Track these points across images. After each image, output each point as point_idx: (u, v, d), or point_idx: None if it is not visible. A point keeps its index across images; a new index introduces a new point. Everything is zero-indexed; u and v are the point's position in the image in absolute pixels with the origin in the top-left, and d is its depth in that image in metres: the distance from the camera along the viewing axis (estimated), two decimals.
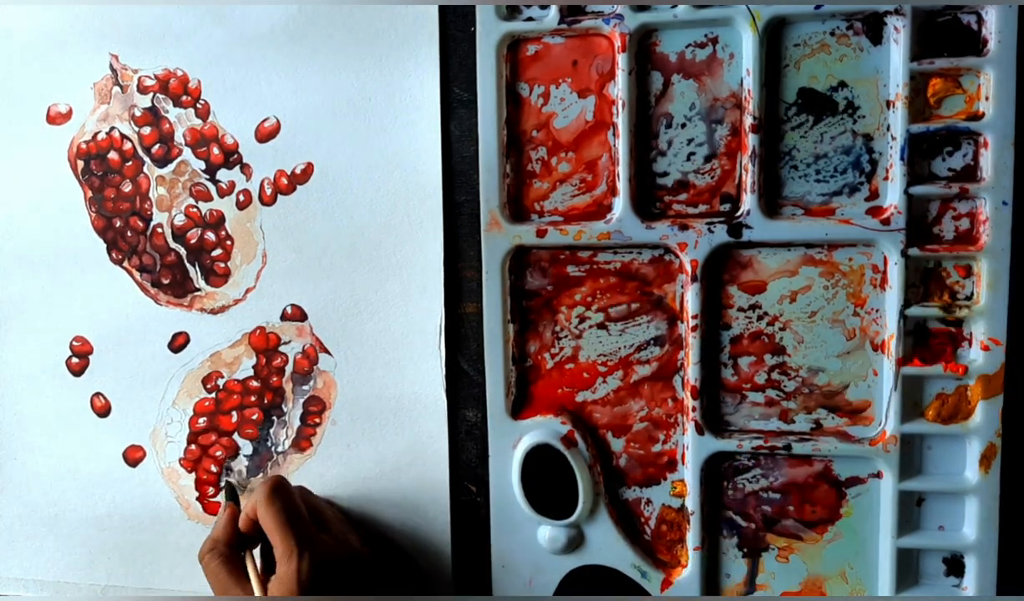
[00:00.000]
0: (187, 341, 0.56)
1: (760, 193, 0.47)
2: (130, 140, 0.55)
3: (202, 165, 0.55)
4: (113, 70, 0.55)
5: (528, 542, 0.52)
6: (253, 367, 0.56)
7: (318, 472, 0.55)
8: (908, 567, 0.48)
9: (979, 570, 0.47)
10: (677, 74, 0.48)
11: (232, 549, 0.49)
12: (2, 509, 0.60)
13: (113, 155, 0.56)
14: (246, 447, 0.56)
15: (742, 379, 0.49)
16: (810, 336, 0.48)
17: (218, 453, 0.57)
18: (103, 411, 0.58)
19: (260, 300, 0.55)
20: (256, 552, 0.50)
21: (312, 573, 0.46)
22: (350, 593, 0.48)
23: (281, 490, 0.49)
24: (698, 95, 0.48)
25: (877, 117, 0.46)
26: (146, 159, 0.55)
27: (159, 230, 0.56)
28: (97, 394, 0.58)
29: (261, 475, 0.56)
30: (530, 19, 0.49)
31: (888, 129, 0.46)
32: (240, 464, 0.56)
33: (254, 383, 0.56)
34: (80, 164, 0.56)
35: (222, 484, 0.56)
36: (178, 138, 0.55)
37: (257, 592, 0.47)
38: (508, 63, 0.49)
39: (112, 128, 0.56)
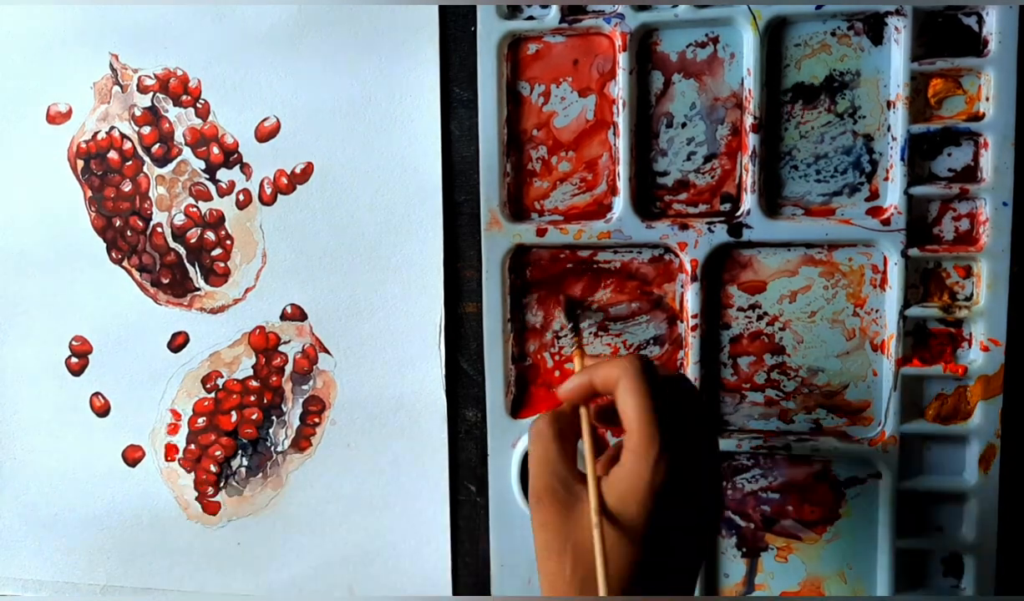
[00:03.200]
0: (186, 341, 0.56)
1: (760, 193, 0.47)
2: (130, 139, 0.55)
3: (202, 165, 0.55)
4: (113, 69, 0.55)
5: (527, 542, 0.52)
6: (252, 367, 0.56)
7: (317, 472, 0.55)
8: (907, 567, 0.48)
9: (978, 570, 0.47)
10: (678, 73, 0.48)
11: (571, 426, 0.40)
12: (1, 508, 0.60)
13: (113, 154, 0.56)
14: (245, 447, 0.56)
15: (742, 379, 0.49)
16: (810, 336, 0.48)
17: (217, 453, 0.57)
18: (102, 411, 0.58)
19: (260, 300, 0.55)
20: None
21: (666, 481, 0.37)
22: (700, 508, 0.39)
23: (651, 371, 0.39)
24: (699, 95, 0.48)
25: (877, 117, 0.46)
26: (146, 158, 0.55)
27: (159, 229, 0.56)
28: (96, 394, 0.58)
29: (261, 475, 0.56)
30: (531, 18, 0.49)
31: (888, 129, 0.46)
32: (239, 464, 0.56)
33: (253, 383, 0.56)
34: (80, 163, 0.56)
35: (563, 311, 0.48)
36: (178, 137, 0.55)
37: (591, 481, 0.38)
38: (509, 62, 0.49)
39: (112, 127, 0.56)
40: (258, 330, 0.55)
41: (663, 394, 0.38)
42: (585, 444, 0.40)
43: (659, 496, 0.37)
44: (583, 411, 0.41)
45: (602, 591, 0.36)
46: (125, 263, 0.56)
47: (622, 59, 0.47)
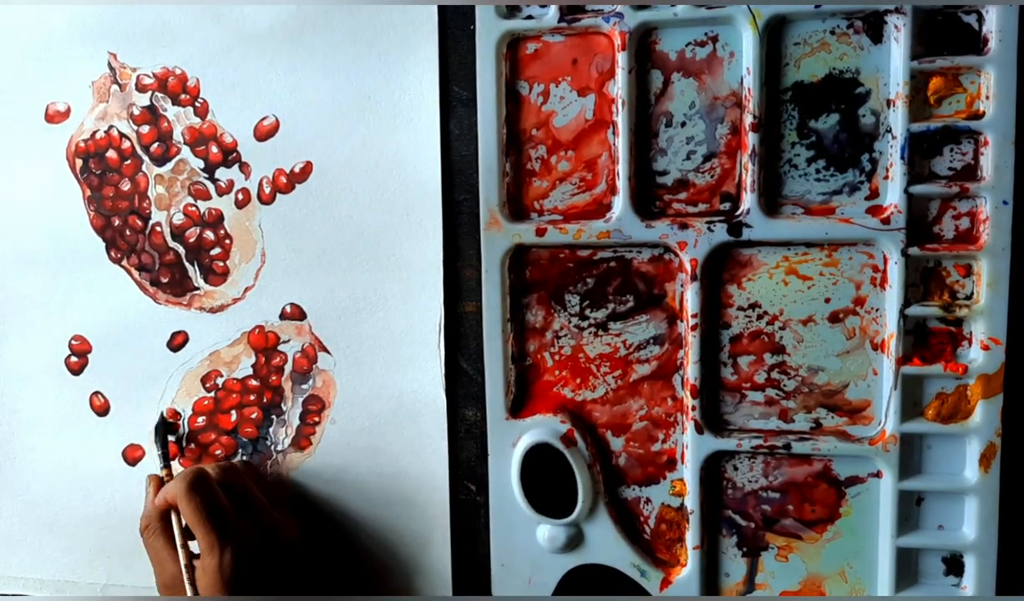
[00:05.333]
0: (186, 340, 0.56)
1: (760, 192, 0.47)
2: (129, 138, 0.55)
3: (201, 164, 0.55)
4: (112, 68, 0.55)
5: (527, 541, 0.52)
6: (252, 366, 0.55)
7: (317, 471, 0.55)
8: (907, 566, 0.48)
9: (978, 569, 0.47)
10: (677, 72, 0.48)
11: (166, 521, 0.51)
12: (2, 508, 0.60)
13: (112, 154, 0.56)
14: (246, 446, 0.56)
15: (742, 378, 0.49)
16: (810, 335, 0.48)
17: (218, 452, 0.57)
18: (102, 410, 0.58)
19: (259, 299, 0.55)
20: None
21: (235, 566, 0.47)
22: (278, 582, 0.49)
23: (200, 484, 0.49)
24: (698, 94, 0.48)
25: (877, 116, 0.46)
26: (145, 158, 0.55)
27: (158, 229, 0.56)
28: (96, 393, 0.58)
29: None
30: (530, 17, 0.48)
31: (888, 128, 0.46)
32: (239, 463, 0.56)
33: (253, 382, 0.56)
34: (79, 163, 0.56)
35: (154, 430, 0.56)
36: (177, 136, 0.55)
37: (182, 559, 0.49)
38: (508, 62, 0.49)
39: (111, 126, 0.55)
40: (257, 329, 0.55)
41: (214, 496, 0.49)
42: (179, 549, 0.50)
43: (234, 579, 0.47)
44: (174, 520, 0.50)
45: None
46: (124, 262, 0.56)
47: (621, 58, 0.47)
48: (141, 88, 0.55)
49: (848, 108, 0.46)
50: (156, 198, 0.55)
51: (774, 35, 0.46)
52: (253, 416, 0.56)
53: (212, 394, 0.56)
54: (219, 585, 0.47)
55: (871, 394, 0.48)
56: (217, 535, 0.47)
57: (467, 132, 0.51)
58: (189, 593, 0.48)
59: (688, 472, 0.50)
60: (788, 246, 0.48)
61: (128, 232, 0.56)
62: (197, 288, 0.56)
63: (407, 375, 0.53)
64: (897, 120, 0.45)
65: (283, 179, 0.54)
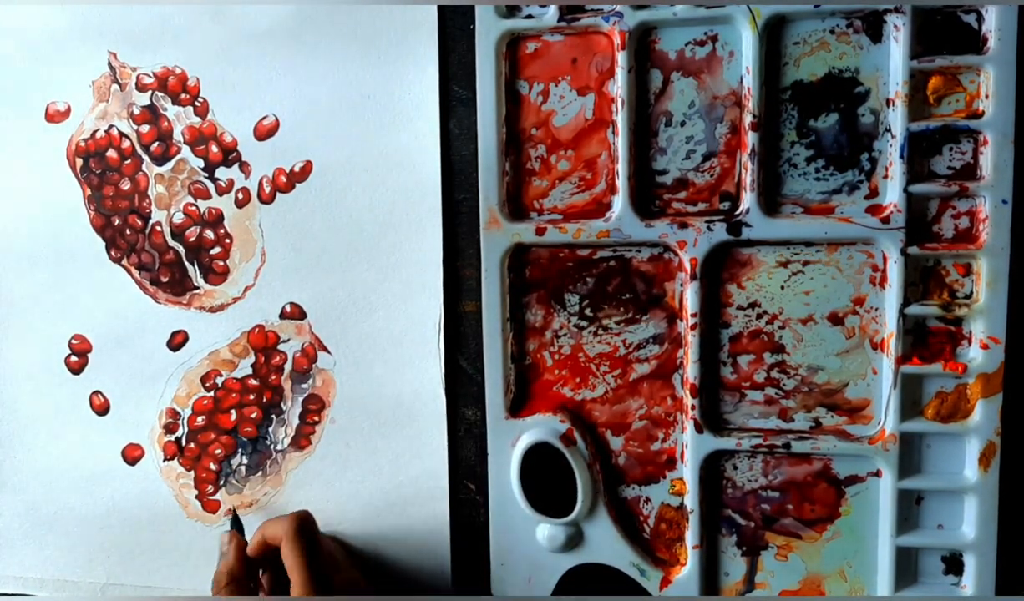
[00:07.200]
0: (186, 339, 0.56)
1: (759, 191, 0.47)
2: (129, 138, 0.55)
3: (201, 163, 0.55)
4: (112, 68, 0.55)
5: (527, 540, 0.52)
6: (252, 365, 0.56)
7: (317, 471, 0.55)
8: (907, 566, 0.48)
9: (978, 569, 0.47)
10: (676, 72, 0.48)
11: (246, 580, 0.51)
12: (1, 508, 0.60)
13: (112, 153, 0.56)
14: (245, 445, 0.56)
15: (741, 377, 0.49)
16: (809, 334, 0.48)
17: (217, 451, 0.57)
18: (102, 409, 0.58)
19: (259, 298, 0.55)
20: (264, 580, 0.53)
21: None
22: None
23: (307, 528, 0.50)
24: (697, 93, 0.48)
25: (877, 115, 0.46)
26: (145, 157, 0.55)
27: (158, 228, 0.56)
28: (96, 392, 0.58)
29: (260, 473, 0.56)
30: (529, 17, 0.48)
31: (888, 127, 0.46)
32: (239, 462, 0.56)
33: (253, 381, 0.56)
34: (79, 162, 0.56)
35: (225, 515, 0.57)
36: (177, 136, 0.55)
37: None
38: (507, 61, 0.49)
39: (111, 126, 0.56)
40: (257, 329, 0.55)
41: (317, 547, 0.50)
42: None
43: None
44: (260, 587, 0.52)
45: None
46: (124, 262, 0.56)
47: (621, 57, 0.47)
48: (141, 88, 0.55)
49: (847, 107, 0.46)
50: (156, 197, 0.56)
51: (773, 34, 0.46)
52: (253, 415, 0.56)
53: (212, 393, 0.56)
54: None
55: (870, 393, 0.48)
56: (314, 583, 0.48)
57: (467, 132, 0.51)
58: None
59: (688, 471, 0.50)
60: (788, 245, 0.48)
61: (128, 231, 0.56)
62: (197, 287, 0.56)
63: (407, 375, 0.54)
64: (896, 119, 0.45)
65: (283, 178, 0.54)
